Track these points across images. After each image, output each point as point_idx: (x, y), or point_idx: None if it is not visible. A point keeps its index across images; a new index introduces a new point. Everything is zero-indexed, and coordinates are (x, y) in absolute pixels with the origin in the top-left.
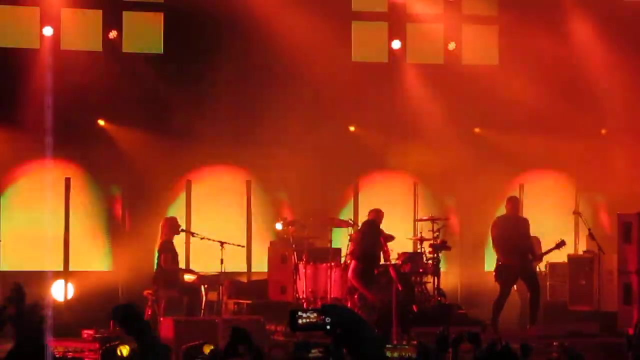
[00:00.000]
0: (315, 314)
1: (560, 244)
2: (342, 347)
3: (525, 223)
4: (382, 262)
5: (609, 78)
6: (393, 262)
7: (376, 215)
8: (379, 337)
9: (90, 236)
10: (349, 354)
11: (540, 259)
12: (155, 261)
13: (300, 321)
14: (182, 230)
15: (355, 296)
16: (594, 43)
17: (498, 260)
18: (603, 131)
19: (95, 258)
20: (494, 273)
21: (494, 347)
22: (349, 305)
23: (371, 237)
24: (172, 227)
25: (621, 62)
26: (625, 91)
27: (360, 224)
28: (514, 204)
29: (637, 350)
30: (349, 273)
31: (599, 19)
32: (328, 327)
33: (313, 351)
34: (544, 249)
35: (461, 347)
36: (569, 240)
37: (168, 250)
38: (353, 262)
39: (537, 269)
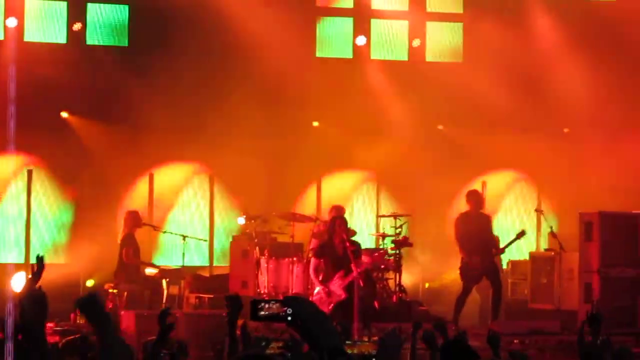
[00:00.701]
0: (277, 305)
1: (521, 234)
2: (302, 342)
3: (487, 219)
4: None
5: (572, 77)
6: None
7: (337, 212)
8: (339, 332)
9: (51, 228)
10: (309, 347)
11: (502, 252)
12: (117, 255)
13: (261, 312)
14: (145, 224)
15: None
16: (558, 42)
17: (462, 257)
18: (566, 130)
19: (56, 251)
20: (458, 270)
21: (461, 339)
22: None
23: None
24: (134, 220)
25: (584, 61)
26: (588, 90)
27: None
28: (476, 198)
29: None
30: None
31: (563, 17)
32: (289, 318)
33: (272, 345)
34: (504, 243)
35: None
36: (531, 238)
37: (130, 243)
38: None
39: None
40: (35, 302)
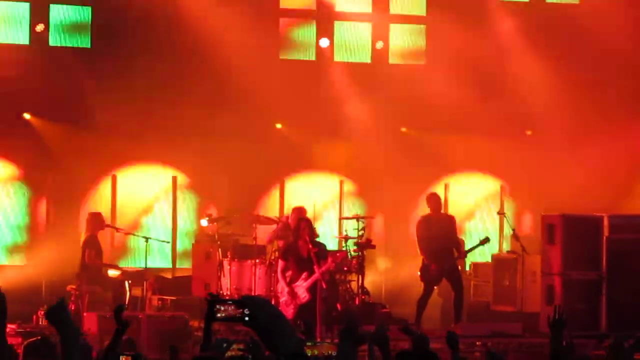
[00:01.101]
0: (233, 306)
1: (485, 241)
2: (261, 343)
3: (451, 221)
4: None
5: (535, 79)
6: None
7: (299, 213)
8: (302, 331)
9: (13, 230)
10: (266, 347)
11: (465, 256)
12: (80, 256)
13: (218, 314)
14: (107, 226)
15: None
16: (520, 44)
17: (423, 259)
18: (528, 132)
19: (18, 252)
20: (418, 272)
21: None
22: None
23: (292, 237)
24: (97, 222)
25: (546, 63)
26: (550, 92)
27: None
28: (435, 201)
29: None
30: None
31: (525, 20)
32: (246, 318)
33: (233, 347)
34: (468, 247)
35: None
36: (494, 240)
37: (92, 245)
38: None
39: (461, 269)
40: None
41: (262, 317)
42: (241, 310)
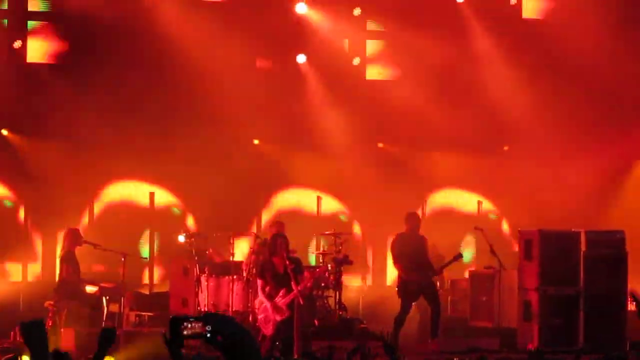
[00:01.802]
0: (200, 323)
1: (457, 257)
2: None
3: (422, 240)
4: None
5: (512, 95)
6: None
7: (277, 229)
8: (280, 349)
9: None
10: None
11: (440, 272)
12: (57, 272)
13: (185, 332)
14: (85, 242)
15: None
16: (497, 60)
17: (400, 276)
18: (505, 147)
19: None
20: (396, 288)
21: None
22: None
23: (268, 254)
24: (74, 238)
25: (523, 80)
26: (527, 108)
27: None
28: (413, 221)
29: None
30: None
31: (502, 37)
32: (208, 335)
33: None
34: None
35: None
36: (471, 256)
37: (70, 261)
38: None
39: (439, 285)
40: None
41: (226, 334)
42: (206, 327)
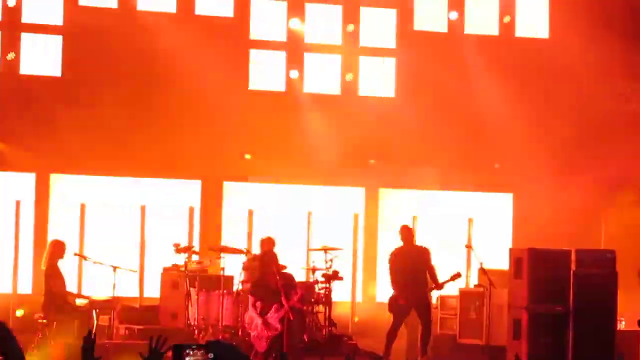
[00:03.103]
0: (201, 351)
1: (456, 276)
2: None
3: (422, 252)
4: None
5: (503, 112)
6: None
7: (268, 245)
8: None
9: None
10: None
11: (441, 287)
12: (44, 285)
13: (187, 358)
14: (76, 254)
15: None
16: (489, 78)
17: (392, 291)
18: (496, 165)
19: None
20: (387, 303)
21: None
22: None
23: (259, 270)
24: (58, 250)
25: (515, 98)
26: (518, 125)
27: (253, 255)
28: (407, 233)
29: None
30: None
31: (495, 52)
32: None
33: None
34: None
35: None
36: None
37: (55, 274)
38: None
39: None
40: None
41: None
42: (208, 355)
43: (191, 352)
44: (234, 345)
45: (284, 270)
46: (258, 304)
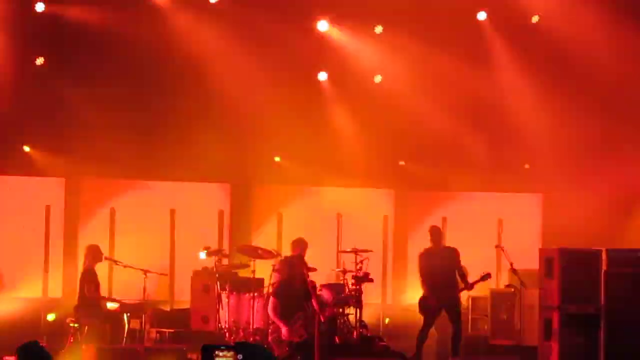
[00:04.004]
0: (231, 352)
1: (485, 277)
2: None
3: (451, 253)
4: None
5: (533, 113)
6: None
7: (299, 246)
8: None
9: (13, 262)
10: None
11: (472, 288)
12: (78, 289)
13: (217, 359)
14: (106, 258)
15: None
16: (519, 78)
17: (423, 291)
18: (526, 166)
19: (20, 284)
20: (417, 305)
21: None
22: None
23: (287, 273)
24: (94, 254)
25: (545, 98)
26: (547, 125)
27: (283, 257)
28: (436, 234)
29: None
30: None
31: (523, 52)
32: None
33: None
34: (471, 279)
35: None
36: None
37: (90, 278)
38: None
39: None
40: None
41: None
42: (238, 356)
43: (221, 353)
44: (263, 347)
45: (311, 274)
46: (278, 308)
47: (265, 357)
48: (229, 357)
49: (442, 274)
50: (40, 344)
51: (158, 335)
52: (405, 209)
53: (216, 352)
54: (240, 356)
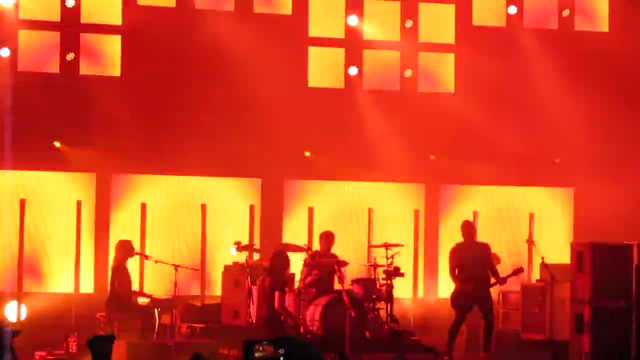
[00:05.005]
0: (270, 346)
1: (517, 271)
2: None
3: (483, 248)
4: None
5: (563, 107)
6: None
7: (326, 239)
8: None
9: (44, 257)
10: None
11: (504, 282)
12: (109, 283)
13: (256, 354)
14: (137, 253)
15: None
16: (548, 72)
17: (455, 286)
18: (557, 160)
19: (50, 279)
20: (449, 299)
21: None
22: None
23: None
24: (126, 249)
25: (575, 92)
26: (578, 120)
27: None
28: (467, 229)
29: None
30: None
31: (554, 47)
32: (281, 358)
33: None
34: (503, 274)
35: None
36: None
37: (121, 273)
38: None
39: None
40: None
41: (298, 357)
42: (278, 350)
43: (261, 348)
44: (306, 343)
45: (343, 269)
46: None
47: (309, 353)
48: (269, 351)
49: (474, 269)
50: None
51: (189, 330)
52: (436, 203)
53: (256, 346)
54: (281, 350)
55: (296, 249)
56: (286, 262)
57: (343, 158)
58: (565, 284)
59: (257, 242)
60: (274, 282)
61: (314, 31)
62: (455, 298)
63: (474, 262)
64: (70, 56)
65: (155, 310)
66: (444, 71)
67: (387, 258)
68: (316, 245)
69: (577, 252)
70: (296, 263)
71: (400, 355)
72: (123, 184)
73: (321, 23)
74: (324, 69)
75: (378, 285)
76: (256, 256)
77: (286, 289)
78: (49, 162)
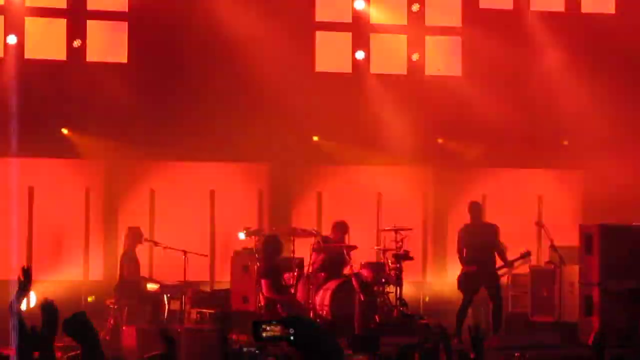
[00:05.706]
0: (279, 326)
1: (525, 255)
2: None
3: (492, 229)
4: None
5: (570, 89)
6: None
7: (340, 229)
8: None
9: (53, 245)
10: None
11: (510, 265)
12: (118, 270)
13: (264, 334)
14: (146, 240)
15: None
16: (555, 55)
17: (461, 268)
18: (565, 142)
19: (59, 267)
20: (456, 281)
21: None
22: None
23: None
24: (135, 236)
25: (582, 74)
26: (586, 102)
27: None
28: (476, 209)
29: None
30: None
31: (561, 29)
32: (292, 337)
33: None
34: (511, 258)
35: None
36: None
37: (131, 259)
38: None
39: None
40: (48, 315)
41: (308, 337)
42: (287, 330)
43: (268, 328)
44: (315, 322)
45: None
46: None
47: (318, 334)
48: (277, 331)
49: (481, 250)
50: (85, 316)
51: (198, 315)
52: (445, 187)
53: (263, 326)
54: (291, 330)
55: (305, 233)
56: (277, 248)
57: (351, 142)
58: (574, 266)
59: (266, 228)
60: (259, 270)
61: (321, 15)
62: (462, 281)
63: (481, 243)
64: (77, 43)
65: (165, 296)
66: (451, 54)
67: (396, 242)
68: (325, 230)
69: (586, 234)
70: (306, 248)
71: (423, 339)
72: (131, 170)
73: (328, 7)
74: (331, 53)
75: (387, 269)
76: None
77: (279, 274)
78: (57, 149)
